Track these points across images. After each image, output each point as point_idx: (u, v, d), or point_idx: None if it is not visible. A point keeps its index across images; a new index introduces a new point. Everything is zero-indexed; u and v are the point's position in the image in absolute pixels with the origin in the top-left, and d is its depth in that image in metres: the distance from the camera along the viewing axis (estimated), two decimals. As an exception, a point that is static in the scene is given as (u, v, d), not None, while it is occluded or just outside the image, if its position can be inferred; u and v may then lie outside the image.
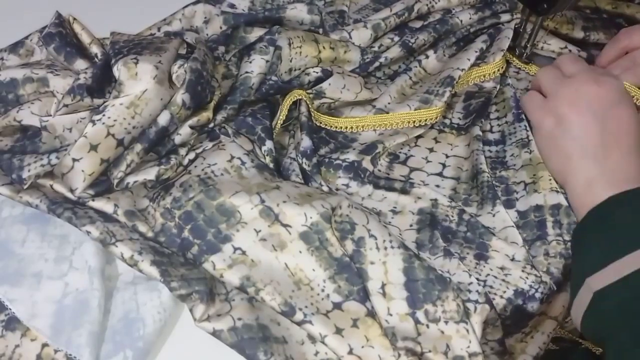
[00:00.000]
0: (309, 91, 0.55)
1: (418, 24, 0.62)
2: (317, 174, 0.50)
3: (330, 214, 0.45)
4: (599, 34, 0.62)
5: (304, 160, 0.51)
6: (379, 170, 0.52)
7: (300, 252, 0.44)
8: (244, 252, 0.44)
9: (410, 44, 0.59)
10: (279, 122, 0.54)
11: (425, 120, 0.54)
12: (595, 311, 0.41)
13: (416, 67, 0.59)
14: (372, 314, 0.43)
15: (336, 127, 0.55)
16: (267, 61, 0.53)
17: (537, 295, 0.44)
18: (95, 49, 0.52)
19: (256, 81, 0.53)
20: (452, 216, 0.49)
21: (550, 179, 0.49)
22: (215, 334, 0.41)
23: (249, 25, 0.58)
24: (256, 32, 0.57)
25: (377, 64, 0.58)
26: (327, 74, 0.55)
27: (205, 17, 0.60)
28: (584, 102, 0.47)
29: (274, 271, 0.44)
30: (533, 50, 0.61)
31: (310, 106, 0.54)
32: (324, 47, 0.56)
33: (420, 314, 0.43)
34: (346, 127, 0.55)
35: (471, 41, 0.60)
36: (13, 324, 0.42)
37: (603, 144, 0.46)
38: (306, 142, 0.51)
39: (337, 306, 0.43)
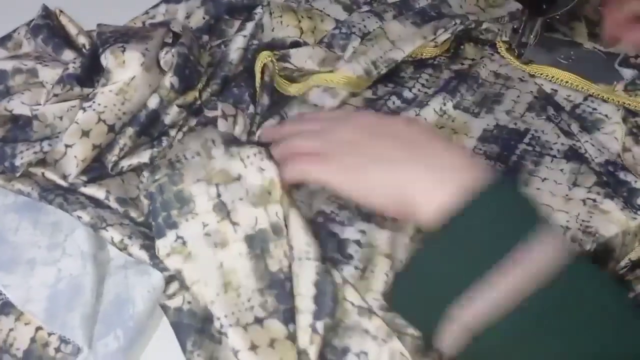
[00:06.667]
0: (275, 52, 0.54)
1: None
2: None
3: (283, 225, 0.43)
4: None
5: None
6: None
7: (240, 254, 0.43)
8: (184, 243, 0.43)
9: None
10: (256, 84, 0.53)
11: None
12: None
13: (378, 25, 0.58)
14: (292, 337, 0.41)
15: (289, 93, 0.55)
16: (244, 36, 0.55)
17: None
18: (82, 40, 0.53)
19: (235, 56, 0.54)
20: None
21: None
22: (162, 307, 0.41)
23: (229, 14, 0.59)
24: (237, 25, 0.58)
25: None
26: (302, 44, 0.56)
27: (187, 13, 0.60)
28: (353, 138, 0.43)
29: (206, 268, 0.42)
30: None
31: (275, 66, 0.53)
32: (302, 17, 0.57)
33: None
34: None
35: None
36: (7, 309, 0.42)
37: (397, 156, 0.40)
38: (265, 100, 0.52)
39: (259, 321, 0.41)
